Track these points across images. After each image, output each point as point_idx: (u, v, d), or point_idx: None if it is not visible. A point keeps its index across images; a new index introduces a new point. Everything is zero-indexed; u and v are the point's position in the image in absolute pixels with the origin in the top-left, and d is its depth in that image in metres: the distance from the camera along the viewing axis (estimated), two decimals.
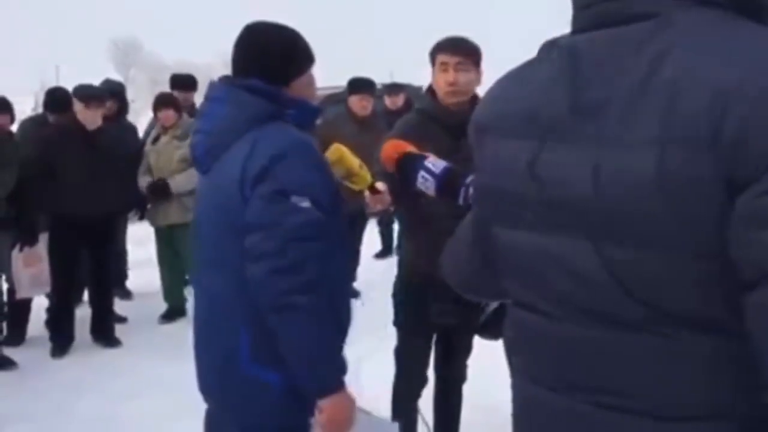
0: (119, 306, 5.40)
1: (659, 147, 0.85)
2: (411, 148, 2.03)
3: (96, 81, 5.38)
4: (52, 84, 10.54)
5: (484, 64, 2.68)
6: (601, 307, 0.95)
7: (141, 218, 5.66)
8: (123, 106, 5.76)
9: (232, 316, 1.78)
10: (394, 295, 2.86)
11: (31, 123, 5.58)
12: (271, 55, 1.83)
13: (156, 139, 5.32)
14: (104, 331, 4.98)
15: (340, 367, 1.75)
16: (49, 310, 5.06)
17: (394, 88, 7.30)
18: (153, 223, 5.37)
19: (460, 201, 1.83)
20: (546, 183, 0.98)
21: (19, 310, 4.90)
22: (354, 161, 2.04)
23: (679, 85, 0.85)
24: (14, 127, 5.21)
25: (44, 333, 4.96)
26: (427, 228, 2.55)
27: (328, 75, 6.28)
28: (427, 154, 1.96)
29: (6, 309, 4.73)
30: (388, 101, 7.03)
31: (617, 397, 0.95)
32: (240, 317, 1.77)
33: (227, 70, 2.04)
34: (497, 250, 1.11)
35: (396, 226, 4.04)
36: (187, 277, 5.31)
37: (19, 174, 4.40)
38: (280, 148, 1.72)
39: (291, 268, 1.66)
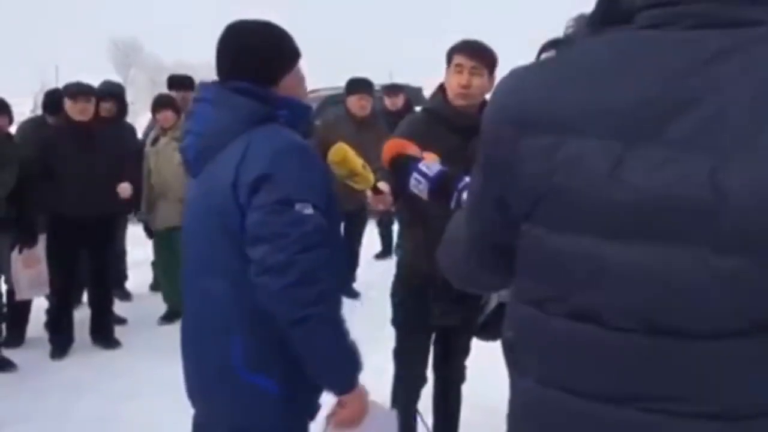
0: (119, 307, 5.40)
1: None
2: (413, 148, 2.03)
3: (95, 82, 5.37)
4: (52, 85, 10.52)
5: None
6: (683, 317, 0.93)
7: (139, 219, 5.63)
8: (122, 107, 5.76)
9: (226, 320, 1.76)
10: (393, 296, 2.86)
11: (30, 124, 5.58)
12: (255, 55, 1.78)
13: (155, 141, 5.32)
14: (104, 332, 4.98)
15: (358, 364, 1.77)
16: (48, 312, 5.05)
17: (393, 89, 7.31)
18: (152, 225, 5.37)
19: (452, 205, 1.82)
20: (635, 188, 0.92)
21: (19, 311, 4.90)
22: (357, 161, 2.03)
23: None
24: (13, 129, 5.21)
25: (44, 334, 4.96)
26: (425, 228, 2.55)
27: (327, 76, 6.29)
28: (422, 156, 1.96)
29: (5, 310, 4.73)
30: (388, 102, 7.03)
31: (686, 403, 0.94)
32: (234, 322, 1.74)
33: None
34: (531, 251, 1.05)
35: (396, 227, 4.04)
36: None
37: (18, 175, 4.40)
38: (276, 153, 1.69)
39: (303, 280, 1.63)
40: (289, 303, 1.64)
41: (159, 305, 5.48)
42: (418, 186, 1.83)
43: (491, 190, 1.11)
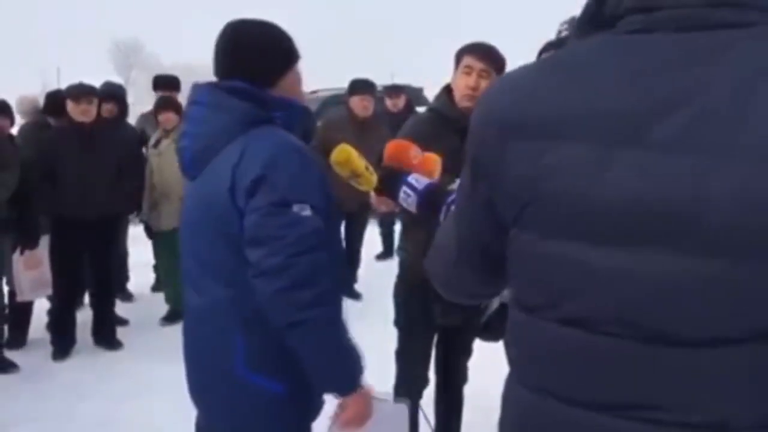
0: (120, 308, 5.40)
1: None
2: (415, 149, 2.03)
3: (97, 83, 5.38)
4: (54, 86, 10.52)
5: None
6: (669, 322, 0.91)
7: (140, 220, 5.64)
8: (123, 108, 5.77)
9: (227, 322, 1.75)
10: (395, 296, 2.86)
11: (31, 126, 5.59)
12: (253, 55, 1.77)
13: (158, 143, 5.32)
14: (106, 334, 4.98)
15: (359, 365, 1.76)
16: (50, 313, 5.06)
17: (395, 90, 7.31)
18: (156, 226, 5.37)
19: (441, 218, 1.81)
20: (620, 192, 0.91)
21: (21, 312, 4.90)
22: (360, 162, 2.03)
23: None
24: (14, 130, 5.21)
25: (46, 336, 4.96)
26: (427, 229, 2.55)
27: (328, 77, 6.30)
28: (422, 158, 1.95)
29: (7, 312, 4.73)
30: (389, 103, 7.03)
31: (674, 412, 0.93)
32: (234, 324, 1.74)
33: None
34: (520, 257, 1.05)
35: (397, 228, 4.04)
36: None
37: (20, 176, 4.40)
38: (273, 154, 1.67)
39: (299, 283, 1.62)
40: (285, 306, 1.63)
41: (160, 306, 5.48)
42: (407, 200, 1.81)
43: (479, 193, 1.10)
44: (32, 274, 4.62)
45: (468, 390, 3.01)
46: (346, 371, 1.75)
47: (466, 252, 1.19)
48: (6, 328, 4.68)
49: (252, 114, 1.74)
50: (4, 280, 4.63)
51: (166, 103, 5.31)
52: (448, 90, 2.68)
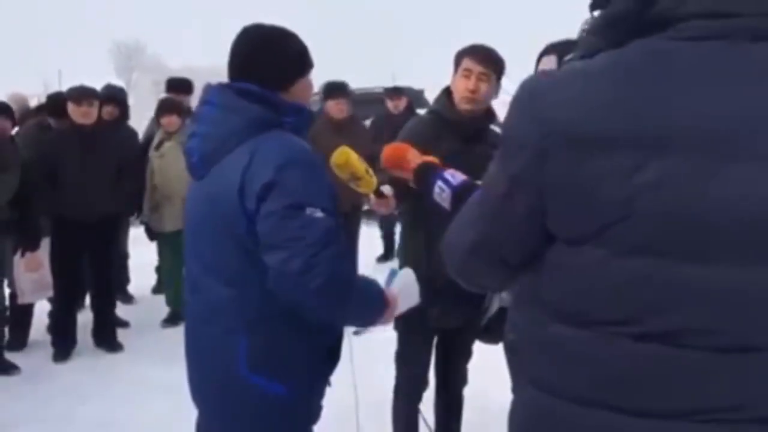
0: (121, 310, 5.40)
1: None
2: (413, 152, 2.03)
3: (98, 85, 5.38)
4: (55, 88, 10.53)
5: None
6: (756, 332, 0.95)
7: (141, 222, 5.64)
8: (124, 110, 5.77)
9: (232, 323, 1.75)
10: None
11: (32, 127, 5.59)
12: (269, 59, 1.79)
13: (160, 145, 5.32)
14: (106, 336, 4.98)
15: (382, 298, 1.90)
16: (51, 315, 5.06)
17: (395, 92, 7.30)
18: (158, 228, 5.37)
19: None
20: (730, 207, 0.90)
21: (22, 314, 4.90)
22: (360, 165, 2.03)
23: None
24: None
25: (46, 338, 4.96)
26: (427, 232, 2.55)
27: (329, 77, 6.33)
28: (421, 160, 1.95)
29: (8, 313, 4.73)
30: (391, 105, 7.03)
31: (752, 410, 0.97)
32: (240, 325, 1.74)
33: None
34: (588, 273, 1.02)
35: (397, 229, 4.04)
36: None
37: (21, 178, 4.40)
38: (285, 159, 1.69)
39: (328, 282, 1.65)
40: (317, 306, 1.69)
41: (161, 308, 5.48)
42: (440, 194, 1.81)
43: (521, 208, 1.07)
44: (33, 275, 4.62)
45: (467, 392, 3.01)
46: (377, 312, 1.90)
47: (481, 252, 1.18)
48: (7, 329, 4.69)
49: (263, 117, 1.75)
50: (5, 282, 4.63)
51: (169, 106, 5.31)
52: (447, 92, 2.68)
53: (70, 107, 4.65)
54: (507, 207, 1.10)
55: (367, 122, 7.10)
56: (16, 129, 4.92)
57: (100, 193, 4.66)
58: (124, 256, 5.98)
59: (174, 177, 5.09)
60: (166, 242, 5.38)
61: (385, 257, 7.09)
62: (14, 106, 5.39)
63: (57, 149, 4.62)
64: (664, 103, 0.93)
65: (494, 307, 2.31)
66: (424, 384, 2.88)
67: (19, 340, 4.90)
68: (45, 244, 4.67)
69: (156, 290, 6.20)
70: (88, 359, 4.80)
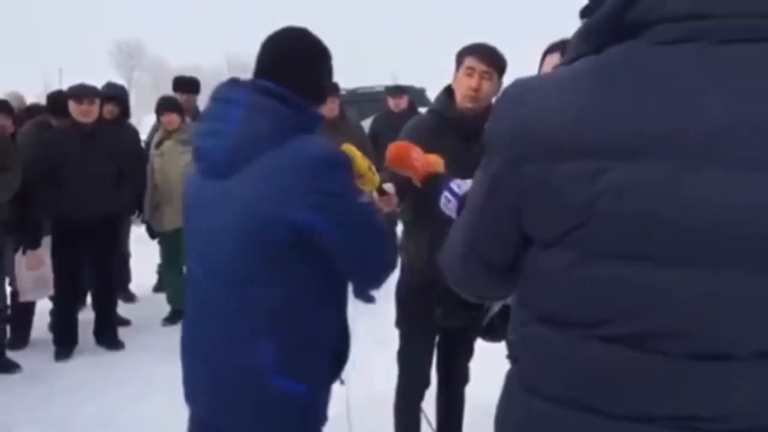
0: (122, 309, 5.41)
1: None
2: (417, 150, 2.03)
3: (99, 84, 5.38)
4: (56, 87, 10.53)
5: None
6: (742, 340, 0.94)
7: (142, 221, 5.64)
8: (124, 109, 5.77)
9: (253, 328, 1.72)
10: (397, 297, 2.86)
11: (33, 126, 5.59)
12: (313, 72, 1.82)
13: (160, 143, 5.32)
14: (108, 334, 4.99)
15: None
16: (52, 313, 5.07)
17: (397, 90, 7.30)
18: (158, 227, 5.37)
19: None
20: (700, 211, 0.90)
21: (23, 313, 4.92)
22: (364, 163, 2.03)
23: None
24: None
25: (48, 336, 4.97)
26: (429, 230, 2.55)
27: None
28: (424, 159, 1.96)
29: (10, 312, 4.74)
30: (392, 103, 7.03)
31: (714, 423, 0.96)
32: (262, 330, 1.71)
33: (232, 73, 2.01)
34: (558, 276, 1.04)
35: (399, 229, 4.04)
36: None
37: (21, 177, 4.41)
38: (322, 159, 1.67)
39: (388, 261, 1.80)
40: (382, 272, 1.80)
41: (162, 307, 5.49)
42: (447, 204, 1.82)
43: (499, 208, 1.09)
44: (34, 274, 4.63)
45: (469, 390, 3.01)
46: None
47: (471, 259, 1.19)
48: (8, 328, 4.70)
49: (296, 121, 1.73)
50: (7, 281, 4.64)
51: (169, 105, 5.32)
52: (448, 91, 2.68)
53: (71, 105, 4.66)
54: (488, 206, 1.12)
55: (367, 121, 7.11)
56: (15, 127, 4.92)
57: (100, 192, 4.67)
58: (125, 255, 5.99)
59: (174, 176, 5.10)
60: (166, 241, 5.38)
61: None
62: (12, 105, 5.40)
63: (58, 148, 4.62)
64: (636, 109, 0.93)
65: (496, 305, 2.31)
66: (425, 382, 2.88)
67: (21, 339, 4.91)
68: (46, 242, 4.68)
69: (157, 289, 6.21)
70: (89, 358, 4.81)
